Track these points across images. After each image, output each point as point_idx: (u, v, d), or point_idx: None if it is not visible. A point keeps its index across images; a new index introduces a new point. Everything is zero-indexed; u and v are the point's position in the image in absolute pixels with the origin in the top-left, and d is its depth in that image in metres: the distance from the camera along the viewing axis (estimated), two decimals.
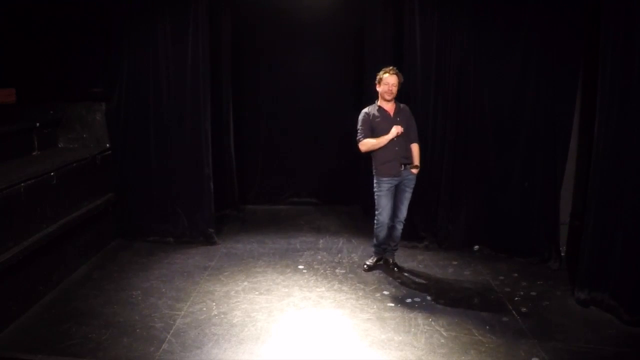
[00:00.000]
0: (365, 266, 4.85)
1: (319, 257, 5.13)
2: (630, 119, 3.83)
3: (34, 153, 5.02)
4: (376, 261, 4.89)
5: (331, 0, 6.05)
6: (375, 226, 4.74)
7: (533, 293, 4.41)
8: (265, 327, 3.82)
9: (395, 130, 4.45)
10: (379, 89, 4.54)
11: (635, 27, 3.75)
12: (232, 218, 6.33)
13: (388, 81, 4.46)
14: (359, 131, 4.58)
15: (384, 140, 4.47)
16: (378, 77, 4.53)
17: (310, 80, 6.46)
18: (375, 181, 4.62)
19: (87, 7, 5.20)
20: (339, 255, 5.13)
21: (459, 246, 5.30)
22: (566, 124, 4.82)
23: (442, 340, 3.65)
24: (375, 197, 4.65)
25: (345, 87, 6.49)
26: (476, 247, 5.33)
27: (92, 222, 4.99)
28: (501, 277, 4.71)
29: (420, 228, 5.42)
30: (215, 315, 3.97)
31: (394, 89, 4.48)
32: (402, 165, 4.55)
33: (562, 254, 5.03)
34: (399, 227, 4.78)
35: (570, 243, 5.07)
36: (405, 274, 4.77)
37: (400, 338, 3.68)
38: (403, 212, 4.72)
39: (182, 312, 4.00)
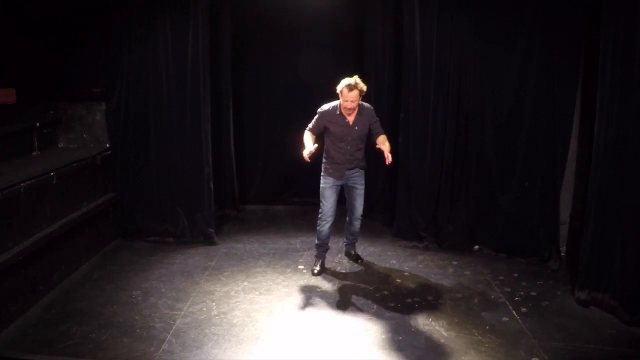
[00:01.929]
0: (314, 271, 4.73)
1: None
2: (631, 119, 3.83)
3: (34, 153, 5.02)
4: (321, 265, 4.79)
5: (331, 1, 6.05)
6: (318, 219, 4.64)
7: (533, 293, 4.41)
8: (265, 327, 3.82)
9: (306, 155, 4.30)
10: (340, 99, 4.39)
11: (635, 27, 3.75)
12: (232, 218, 6.33)
13: (347, 97, 4.29)
14: (311, 122, 4.54)
15: (305, 146, 4.38)
16: (338, 89, 4.34)
17: (310, 80, 6.44)
18: (322, 174, 4.60)
19: (87, 7, 5.20)
20: (339, 255, 5.13)
21: (459, 246, 5.30)
22: (566, 124, 4.83)
23: (442, 340, 3.65)
24: (321, 188, 4.61)
25: None
26: (476, 247, 5.33)
27: (92, 222, 4.99)
28: (501, 277, 4.71)
29: (420, 228, 5.42)
30: (215, 315, 3.97)
31: (353, 105, 4.33)
32: (347, 169, 4.53)
33: (562, 254, 5.03)
34: (356, 223, 4.79)
35: (570, 243, 5.07)
36: (406, 274, 4.77)
37: (400, 338, 3.68)
38: (358, 210, 4.71)
39: (182, 312, 4.00)
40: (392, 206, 5.77)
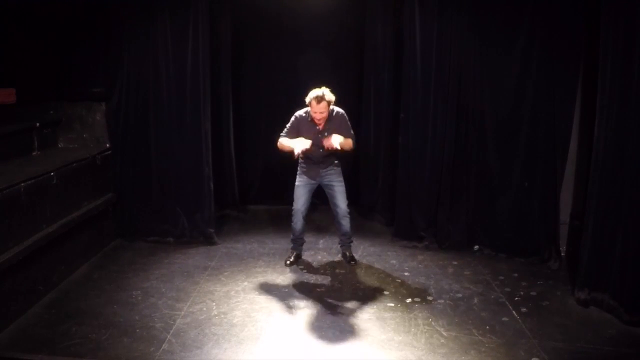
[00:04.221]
0: (286, 262, 4.92)
1: (319, 257, 5.14)
2: (630, 119, 3.83)
3: (34, 153, 5.02)
4: (295, 257, 4.96)
5: (331, 1, 6.05)
6: (292, 216, 4.85)
7: (533, 293, 4.41)
8: (265, 327, 3.82)
9: (299, 149, 4.44)
10: (309, 109, 4.53)
11: (635, 27, 3.75)
12: (232, 218, 6.33)
13: (316, 109, 4.45)
14: (284, 129, 4.69)
15: (289, 148, 4.52)
16: (307, 100, 4.49)
17: (310, 80, 6.42)
18: (297, 172, 4.78)
19: (87, 7, 5.20)
20: (339, 255, 5.13)
21: (459, 246, 5.30)
22: (566, 124, 4.83)
23: (442, 340, 3.65)
24: (296, 186, 4.80)
25: (345, 87, 6.47)
26: (476, 247, 5.33)
27: (92, 222, 4.99)
28: (501, 277, 4.71)
29: (420, 228, 5.42)
30: (215, 315, 3.97)
31: (322, 116, 4.48)
32: (322, 169, 4.69)
33: (562, 254, 5.03)
34: (344, 222, 4.84)
35: (570, 243, 5.07)
36: (406, 274, 4.77)
37: (400, 338, 3.68)
38: (341, 207, 4.78)
39: (182, 312, 4.00)
40: (392, 206, 5.77)
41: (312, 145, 4.56)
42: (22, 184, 3.97)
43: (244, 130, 6.70)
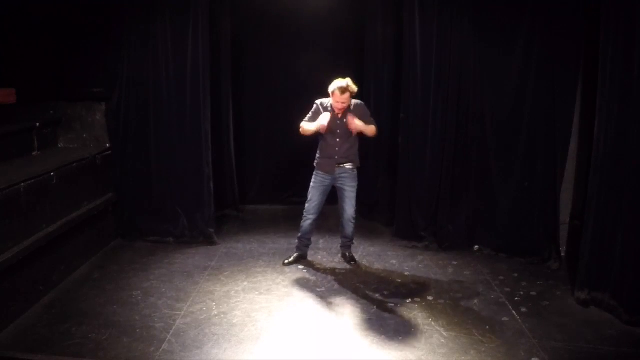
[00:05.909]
0: (285, 262, 4.92)
1: (319, 257, 5.13)
2: (630, 119, 3.83)
3: (34, 153, 5.02)
4: (296, 258, 4.95)
5: (331, 1, 6.05)
6: (303, 215, 4.86)
7: (533, 293, 4.41)
8: (265, 327, 3.82)
9: (321, 122, 4.49)
10: (332, 98, 4.55)
11: (635, 26, 3.75)
12: (232, 218, 6.33)
13: (339, 99, 4.48)
14: (307, 116, 4.72)
15: (313, 127, 4.57)
16: (330, 90, 4.52)
17: (310, 80, 6.45)
18: (314, 172, 4.78)
19: (87, 7, 5.20)
20: (339, 255, 5.13)
21: (459, 246, 5.30)
22: (566, 124, 4.83)
23: (442, 340, 3.65)
24: (310, 187, 4.80)
25: None
26: (476, 247, 5.33)
27: (92, 222, 4.99)
28: (501, 277, 4.71)
29: (420, 228, 5.42)
30: (215, 315, 3.97)
31: (344, 106, 4.51)
32: (338, 165, 4.67)
33: (562, 254, 5.03)
34: (348, 226, 4.85)
35: (570, 243, 5.08)
36: (406, 274, 4.77)
37: (400, 338, 3.68)
38: (348, 211, 4.79)
39: (182, 312, 4.00)
40: (392, 206, 5.77)
41: (330, 132, 4.60)
42: (22, 184, 3.97)
43: (244, 130, 6.70)
